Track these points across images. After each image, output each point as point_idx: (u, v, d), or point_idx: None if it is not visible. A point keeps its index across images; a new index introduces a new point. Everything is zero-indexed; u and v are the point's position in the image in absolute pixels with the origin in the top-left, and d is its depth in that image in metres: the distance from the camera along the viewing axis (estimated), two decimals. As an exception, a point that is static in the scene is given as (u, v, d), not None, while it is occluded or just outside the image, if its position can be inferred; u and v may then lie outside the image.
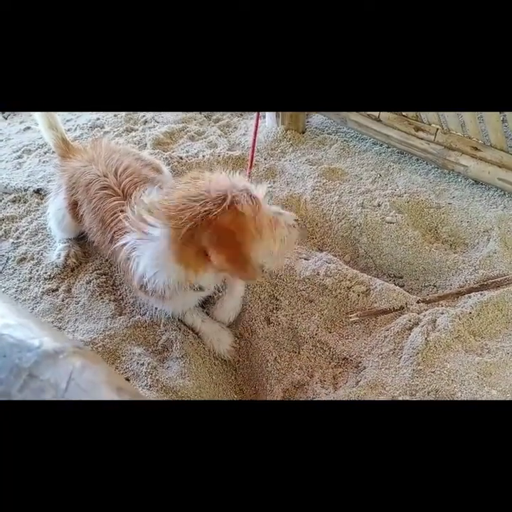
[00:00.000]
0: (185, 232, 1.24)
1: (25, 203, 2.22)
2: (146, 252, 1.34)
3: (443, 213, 2.06)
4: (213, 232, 1.24)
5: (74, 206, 1.72)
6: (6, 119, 2.98)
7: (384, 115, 2.22)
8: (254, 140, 2.23)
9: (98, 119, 2.89)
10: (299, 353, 1.64)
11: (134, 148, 2.17)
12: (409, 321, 1.63)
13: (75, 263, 1.84)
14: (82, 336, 1.59)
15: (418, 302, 1.72)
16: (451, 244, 2.01)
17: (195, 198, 1.25)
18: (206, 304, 1.72)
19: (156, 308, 1.63)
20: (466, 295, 1.73)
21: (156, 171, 1.84)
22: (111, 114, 2.91)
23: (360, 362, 1.59)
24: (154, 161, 1.94)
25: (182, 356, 1.54)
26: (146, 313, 1.67)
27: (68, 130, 2.78)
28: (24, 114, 2.93)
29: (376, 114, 2.23)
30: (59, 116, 2.05)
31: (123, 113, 2.89)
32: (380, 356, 1.58)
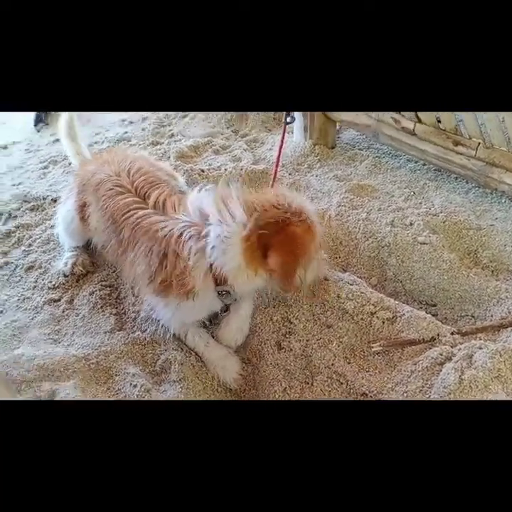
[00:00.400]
0: (262, 228, 1.29)
1: (42, 211, 2.19)
2: (219, 228, 1.33)
3: (484, 236, 1.85)
4: (284, 237, 1.31)
5: (83, 208, 1.66)
6: (39, 132, 3.01)
7: (420, 128, 2.04)
8: (279, 153, 2.13)
9: (126, 132, 2.88)
10: (311, 384, 1.45)
11: (151, 157, 2.10)
12: (441, 354, 1.42)
13: (81, 271, 1.77)
14: (76, 350, 1.47)
15: (452, 334, 1.50)
16: (492, 271, 1.79)
17: (277, 205, 1.33)
18: (211, 327, 1.57)
19: (158, 322, 1.51)
20: (509, 328, 1.50)
21: (170, 177, 1.76)
22: (139, 128, 2.90)
23: (381, 399, 1.39)
24: (168, 168, 1.87)
25: (180, 380, 1.39)
26: (146, 329, 1.55)
27: (95, 143, 2.78)
28: (55, 127, 2.96)
29: (411, 127, 2.06)
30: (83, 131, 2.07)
31: (150, 127, 2.88)
32: (405, 394, 1.37)
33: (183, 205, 1.44)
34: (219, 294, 1.41)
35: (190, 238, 1.35)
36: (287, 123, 2.40)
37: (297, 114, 2.44)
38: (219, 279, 1.35)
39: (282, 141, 2.19)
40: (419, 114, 2.02)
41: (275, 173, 2.21)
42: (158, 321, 1.52)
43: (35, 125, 2.98)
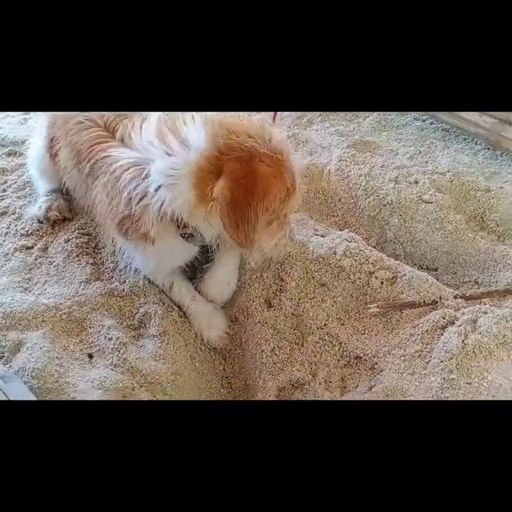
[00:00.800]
0: (221, 153, 1.08)
1: (19, 156, 2.03)
2: (162, 163, 1.12)
3: (493, 198, 1.72)
4: (243, 168, 1.07)
5: (52, 144, 1.50)
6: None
7: (430, 80, 1.89)
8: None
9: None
10: (302, 345, 1.35)
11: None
12: (443, 318, 1.32)
13: (57, 216, 1.62)
14: (47, 299, 1.35)
15: (456, 297, 1.40)
16: (499, 235, 1.68)
17: (252, 135, 1.10)
18: (195, 281, 1.45)
19: (139, 272, 1.38)
20: (517, 294, 1.40)
21: None
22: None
23: (377, 363, 1.29)
24: None
25: (159, 334, 1.28)
26: (125, 281, 1.42)
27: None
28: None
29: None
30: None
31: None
32: (403, 358, 1.27)
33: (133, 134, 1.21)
34: (183, 237, 1.23)
35: (129, 181, 1.16)
36: None
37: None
38: (178, 220, 1.16)
39: None
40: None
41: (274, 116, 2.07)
42: (139, 271, 1.39)
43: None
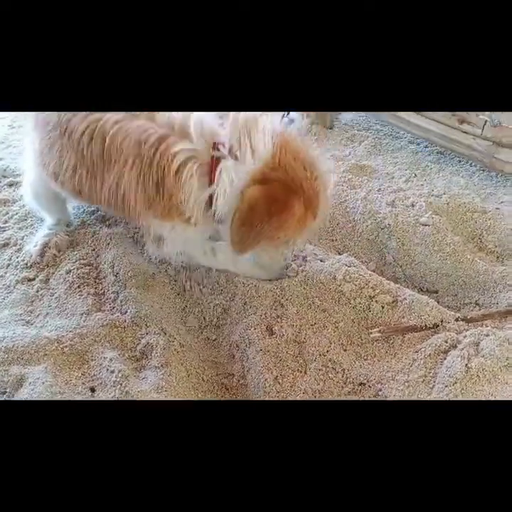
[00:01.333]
0: (267, 177, 1.15)
1: (21, 187, 2.05)
2: (231, 166, 1.18)
3: (489, 219, 1.74)
4: (277, 193, 1.15)
5: (42, 152, 1.40)
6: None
7: (423, 105, 1.93)
8: None
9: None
10: (305, 372, 1.34)
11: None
12: (446, 341, 1.31)
13: (55, 255, 1.58)
14: (49, 332, 1.35)
15: (457, 320, 1.40)
16: (498, 256, 1.69)
17: (305, 164, 1.18)
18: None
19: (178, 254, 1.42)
20: (518, 315, 1.40)
21: None
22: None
23: (381, 389, 1.28)
24: None
25: (162, 366, 1.28)
26: (127, 311, 1.42)
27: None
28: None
29: (414, 104, 1.95)
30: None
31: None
32: (407, 384, 1.26)
33: (168, 114, 1.22)
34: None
35: (191, 176, 1.17)
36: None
37: (294, 91, 2.32)
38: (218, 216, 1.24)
39: None
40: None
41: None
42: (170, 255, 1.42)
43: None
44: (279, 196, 1.14)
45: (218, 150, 1.18)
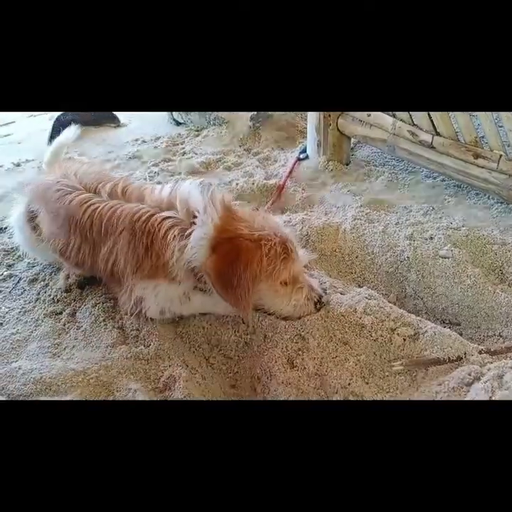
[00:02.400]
0: (219, 232, 1.34)
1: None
2: (200, 230, 1.37)
3: (509, 251, 1.74)
4: (228, 246, 1.33)
5: (32, 218, 1.67)
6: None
7: (438, 141, 1.98)
8: (284, 183, 2.23)
9: (138, 150, 2.88)
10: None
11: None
12: (469, 375, 1.29)
13: (76, 278, 1.71)
14: (75, 364, 1.38)
15: (480, 353, 1.38)
16: (520, 288, 1.68)
17: (248, 221, 1.38)
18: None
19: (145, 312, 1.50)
20: (543, 348, 1.38)
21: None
22: (151, 146, 2.90)
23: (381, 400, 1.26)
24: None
25: (184, 397, 1.29)
26: (150, 344, 1.45)
27: (108, 160, 2.78)
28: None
29: (429, 140, 2.00)
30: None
31: (162, 145, 2.88)
32: (431, 417, 1.24)
33: (157, 194, 1.45)
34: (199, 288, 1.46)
35: (174, 238, 1.36)
36: (300, 159, 2.41)
37: (310, 130, 2.41)
38: (197, 275, 1.40)
39: (290, 172, 2.24)
40: (438, 127, 1.96)
41: (282, 186, 2.18)
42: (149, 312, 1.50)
43: (49, 144, 2.99)
44: (227, 249, 1.32)
45: (194, 217, 1.38)
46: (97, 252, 1.49)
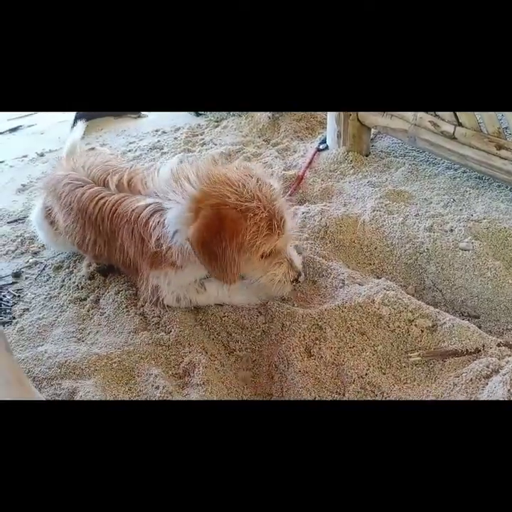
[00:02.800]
0: (199, 201, 1.27)
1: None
2: (172, 211, 1.34)
3: (531, 244, 1.72)
4: (211, 214, 1.25)
5: (49, 213, 1.73)
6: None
7: (460, 132, 1.95)
8: (303, 174, 2.21)
9: (158, 141, 2.91)
10: (343, 394, 1.35)
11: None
12: (487, 367, 1.30)
13: (97, 266, 1.75)
14: (99, 349, 1.43)
15: (499, 345, 1.38)
16: (542, 281, 1.66)
17: (231, 186, 1.27)
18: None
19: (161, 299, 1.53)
20: None
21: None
22: (171, 137, 2.93)
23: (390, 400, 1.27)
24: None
25: (203, 383, 1.32)
26: (171, 331, 1.49)
27: (129, 151, 2.82)
28: (90, 137, 3.01)
29: (451, 131, 1.97)
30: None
31: (182, 136, 2.90)
32: (447, 408, 1.25)
33: (150, 181, 1.46)
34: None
35: (158, 224, 1.35)
36: (319, 150, 2.40)
37: (330, 120, 2.39)
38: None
39: (309, 163, 2.23)
40: (460, 117, 1.93)
41: (301, 178, 2.19)
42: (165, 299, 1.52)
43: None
44: (211, 217, 1.25)
45: (169, 200, 1.36)
46: (112, 245, 1.54)
